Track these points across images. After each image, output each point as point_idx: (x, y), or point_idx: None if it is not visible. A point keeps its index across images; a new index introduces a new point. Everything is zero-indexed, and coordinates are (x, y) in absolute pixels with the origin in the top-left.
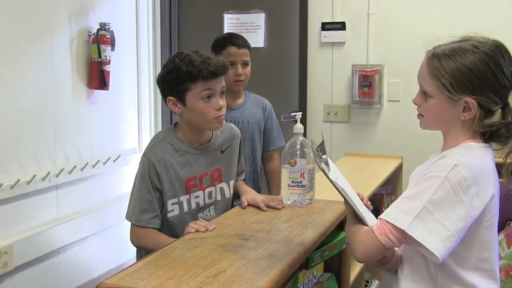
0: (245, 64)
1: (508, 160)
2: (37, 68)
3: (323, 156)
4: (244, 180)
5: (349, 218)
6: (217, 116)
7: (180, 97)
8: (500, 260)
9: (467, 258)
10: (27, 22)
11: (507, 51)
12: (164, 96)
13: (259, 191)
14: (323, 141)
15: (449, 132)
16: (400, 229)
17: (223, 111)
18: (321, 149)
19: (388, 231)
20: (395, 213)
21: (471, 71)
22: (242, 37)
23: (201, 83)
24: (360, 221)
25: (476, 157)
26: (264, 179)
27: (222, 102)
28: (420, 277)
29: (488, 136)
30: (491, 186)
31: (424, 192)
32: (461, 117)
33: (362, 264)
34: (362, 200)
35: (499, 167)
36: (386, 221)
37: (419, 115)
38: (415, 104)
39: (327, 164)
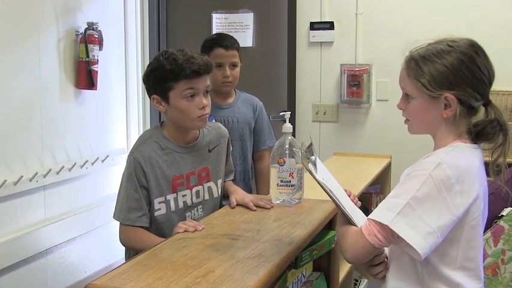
0: (233, 66)
1: (494, 156)
2: (24, 68)
3: (311, 157)
4: (233, 180)
5: (339, 217)
6: (200, 115)
7: (164, 95)
8: (487, 257)
9: (453, 258)
10: (14, 22)
11: (481, 48)
12: (149, 94)
13: (250, 191)
14: (311, 143)
15: (437, 134)
16: (387, 227)
17: (207, 110)
18: (309, 150)
19: (377, 232)
20: (380, 211)
21: (448, 68)
22: (231, 38)
23: (184, 82)
24: (349, 221)
25: (461, 156)
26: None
27: (206, 101)
28: (407, 276)
29: (476, 136)
30: (476, 186)
31: (408, 190)
32: (443, 115)
33: None
34: (349, 196)
35: (487, 166)
36: (373, 220)
37: (406, 120)
38: (400, 109)
39: (314, 164)
